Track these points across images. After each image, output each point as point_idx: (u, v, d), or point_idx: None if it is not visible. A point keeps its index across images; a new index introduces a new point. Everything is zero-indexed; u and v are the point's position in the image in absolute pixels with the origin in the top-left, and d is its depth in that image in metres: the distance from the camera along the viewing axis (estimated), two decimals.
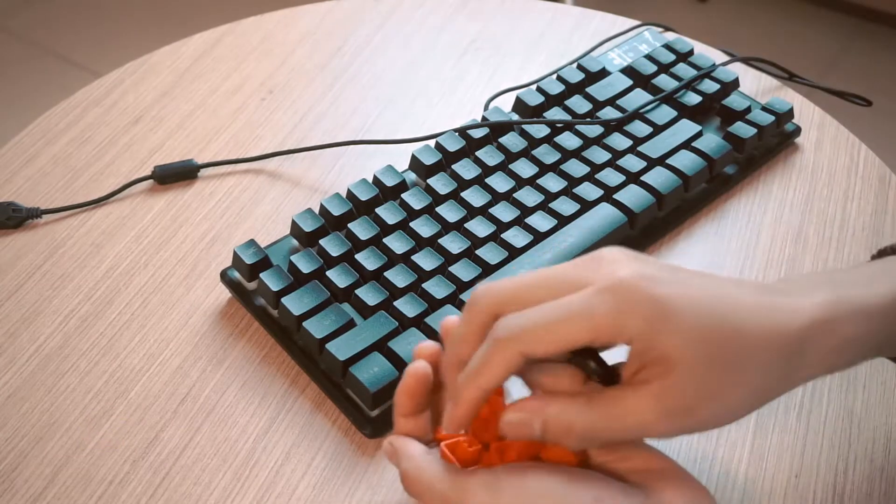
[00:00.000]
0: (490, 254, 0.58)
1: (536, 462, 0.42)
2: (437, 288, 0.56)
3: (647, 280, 0.38)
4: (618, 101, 0.69)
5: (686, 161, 0.64)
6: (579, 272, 0.40)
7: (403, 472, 0.42)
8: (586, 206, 0.62)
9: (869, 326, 0.42)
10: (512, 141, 0.66)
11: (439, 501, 0.41)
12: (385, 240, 0.59)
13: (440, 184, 0.63)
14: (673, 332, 0.38)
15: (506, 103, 0.71)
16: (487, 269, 0.58)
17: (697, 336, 0.38)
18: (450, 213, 0.61)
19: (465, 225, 0.60)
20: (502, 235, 0.60)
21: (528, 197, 0.62)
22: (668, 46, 0.74)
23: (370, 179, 0.63)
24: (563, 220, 0.61)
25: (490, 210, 0.61)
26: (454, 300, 0.56)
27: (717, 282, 0.41)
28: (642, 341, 0.38)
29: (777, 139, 0.70)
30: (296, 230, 0.61)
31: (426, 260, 0.58)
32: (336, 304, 0.56)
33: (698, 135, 0.67)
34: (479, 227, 0.60)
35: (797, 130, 0.71)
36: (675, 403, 0.38)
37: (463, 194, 0.62)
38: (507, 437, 0.41)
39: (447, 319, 0.44)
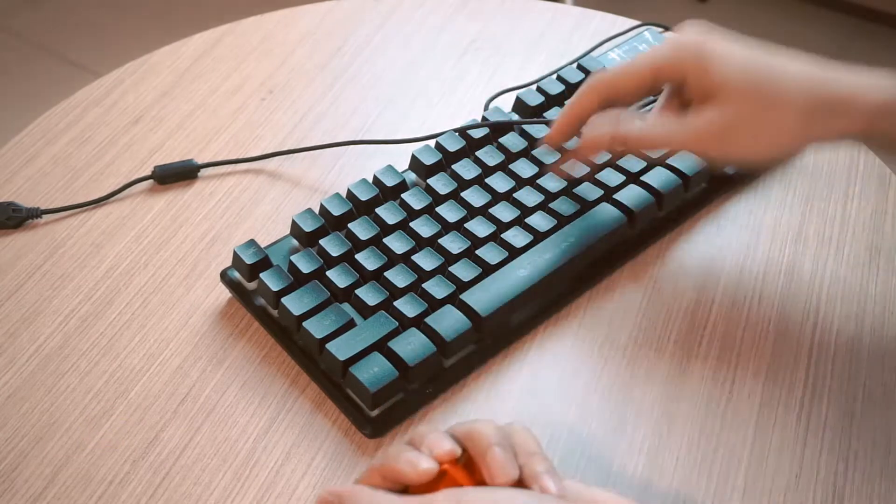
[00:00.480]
0: (490, 254, 0.58)
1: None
2: (437, 288, 0.56)
3: (703, 36, 0.53)
4: None
5: (686, 161, 0.64)
6: (662, 43, 0.58)
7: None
8: (586, 206, 0.62)
9: None
10: (512, 141, 0.66)
11: None
12: (385, 240, 0.59)
13: (440, 184, 0.63)
14: (717, 72, 0.51)
15: (506, 103, 0.71)
16: (487, 269, 0.58)
17: (740, 76, 0.51)
18: (450, 213, 0.61)
19: (465, 225, 0.60)
20: (502, 235, 0.60)
21: (528, 197, 0.62)
22: None
23: (370, 179, 0.63)
24: (563, 220, 0.61)
25: (490, 210, 0.61)
26: (454, 300, 0.56)
27: (766, 52, 0.53)
28: (692, 81, 0.53)
29: None
30: (296, 230, 0.61)
31: (426, 260, 0.58)
32: (336, 304, 0.56)
33: None
34: (479, 227, 0.60)
35: None
36: (715, 127, 0.52)
37: (463, 194, 0.62)
38: (587, 138, 0.56)
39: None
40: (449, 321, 0.55)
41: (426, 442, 0.41)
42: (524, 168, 0.64)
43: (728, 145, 0.53)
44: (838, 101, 0.51)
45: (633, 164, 0.64)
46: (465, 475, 0.41)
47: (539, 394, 0.55)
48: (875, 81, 0.51)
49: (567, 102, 0.58)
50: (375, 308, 0.56)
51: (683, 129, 0.53)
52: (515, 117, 0.68)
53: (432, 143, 0.66)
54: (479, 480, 0.41)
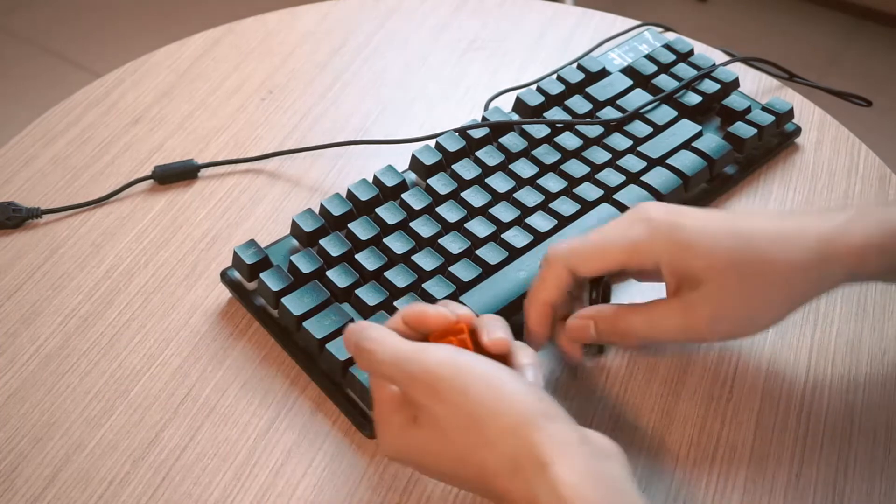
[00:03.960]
0: (490, 254, 0.58)
1: None
2: (437, 288, 0.56)
3: (674, 215, 0.50)
4: (618, 101, 0.69)
5: (686, 161, 0.64)
6: (622, 219, 0.51)
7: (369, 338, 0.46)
8: (586, 206, 0.62)
9: (888, 237, 0.48)
10: (512, 141, 0.66)
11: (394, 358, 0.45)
12: (385, 240, 0.59)
13: (440, 184, 0.63)
14: (696, 256, 0.48)
15: (506, 103, 0.71)
16: (487, 269, 0.58)
17: (722, 255, 0.48)
18: (450, 213, 0.61)
19: (465, 225, 0.60)
20: (502, 235, 0.60)
21: (528, 197, 0.62)
22: (668, 46, 0.74)
23: (370, 179, 0.63)
24: (563, 221, 0.61)
25: (490, 210, 0.61)
26: (454, 300, 0.56)
27: (738, 216, 0.51)
28: (671, 264, 0.49)
29: (777, 139, 0.70)
30: (296, 230, 0.61)
31: (426, 260, 0.58)
32: (336, 304, 0.56)
33: (698, 135, 0.67)
34: (479, 227, 0.60)
35: (797, 130, 0.71)
36: (699, 313, 0.48)
37: (463, 194, 0.62)
38: (572, 339, 0.52)
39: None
40: None
41: (450, 306, 0.48)
42: (524, 168, 0.64)
43: (724, 328, 0.50)
44: (824, 259, 0.48)
45: (633, 163, 0.64)
46: (474, 346, 0.46)
47: None
48: (852, 223, 0.49)
49: (533, 286, 0.52)
50: (375, 308, 0.56)
51: (683, 323, 0.49)
52: (515, 117, 0.68)
53: (432, 143, 0.66)
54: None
